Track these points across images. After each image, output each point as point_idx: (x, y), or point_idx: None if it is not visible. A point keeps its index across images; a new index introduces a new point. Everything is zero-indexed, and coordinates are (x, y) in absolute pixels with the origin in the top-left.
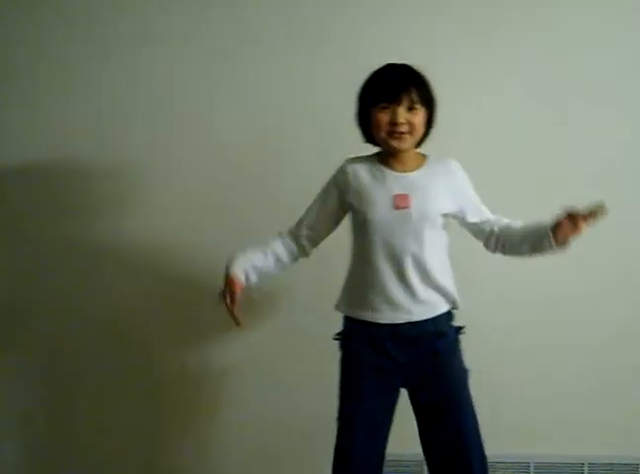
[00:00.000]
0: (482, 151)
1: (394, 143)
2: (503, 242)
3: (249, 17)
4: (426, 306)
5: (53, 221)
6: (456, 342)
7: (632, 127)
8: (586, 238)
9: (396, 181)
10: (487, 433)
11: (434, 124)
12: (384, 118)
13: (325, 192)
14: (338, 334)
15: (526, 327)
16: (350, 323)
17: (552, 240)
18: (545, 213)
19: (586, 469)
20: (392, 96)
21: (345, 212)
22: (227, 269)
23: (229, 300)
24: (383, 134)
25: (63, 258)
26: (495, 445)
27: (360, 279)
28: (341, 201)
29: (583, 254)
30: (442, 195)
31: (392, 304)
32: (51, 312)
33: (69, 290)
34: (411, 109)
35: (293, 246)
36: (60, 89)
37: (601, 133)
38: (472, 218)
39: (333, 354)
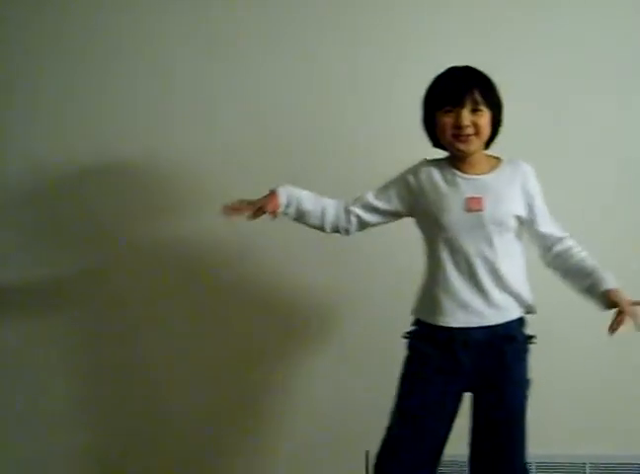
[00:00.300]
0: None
1: (460, 146)
2: (556, 265)
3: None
4: (498, 310)
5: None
6: (525, 350)
7: (632, 127)
8: (585, 238)
9: (468, 183)
10: None
11: (500, 125)
12: (449, 121)
13: (394, 184)
14: (407, 333)
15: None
16: (421, 325)
17: (602, 305)
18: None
19: (587, 469)
20: (456, 99)
21: (405, 212)
22: (273, 188)
23: (251, 207)
24: (449, 138)
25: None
26: None
27: (433, 283)
28: (406, 200)
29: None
30: (515, 198)
31: (464, 308)
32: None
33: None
34: (475, 110)
35: (343, 216)
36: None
37: (601, 134)
38: (539, 227)
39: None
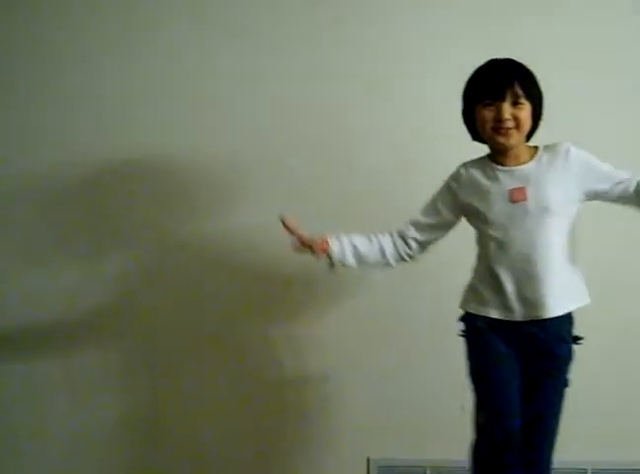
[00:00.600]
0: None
1: (501, 139)
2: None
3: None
4: (552, 302)
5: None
6: (571, 350)
7: (633, 128)
8: (585, 238)
9: (510, 175)
10: None
11: (541, 117)
12: (489, 114)
13: (439, 195)
14: (463, 331)
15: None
16: (474, 320)
17: None
18: None
19: None
20: (496, 92)
21: (458, 218)
22: (323, 237)
23: (302, 242)
24: (489, 131)
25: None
26: None
27: (484, 277)
28: (455, 206)
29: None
30: (560, 183)
31: (516, 301)
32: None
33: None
34: (516, 104)
35: (401, 243)
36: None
37: (602, 134)
38: (603, 187)
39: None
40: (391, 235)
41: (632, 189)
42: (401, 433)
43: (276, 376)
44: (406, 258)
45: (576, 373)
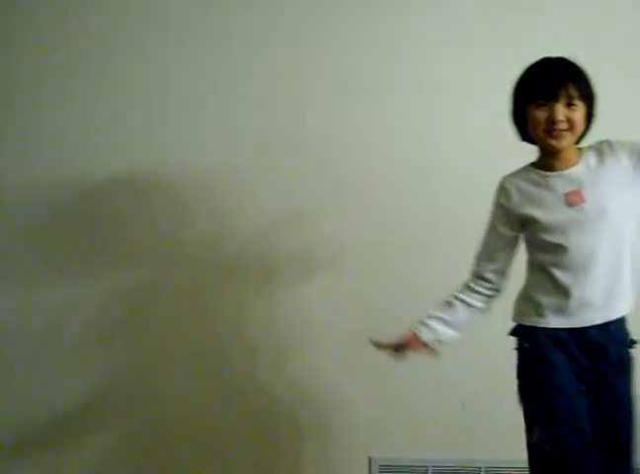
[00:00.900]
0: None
1: (553, 142)
2: None
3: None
4: (611, 307)
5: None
6: (630, 355)
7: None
8: None
9: (562, 179)
10: (492, 438)
11: (594, 119)
12: (542, 116)
13: (493, 218)
14: (519, 343)
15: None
16: (532, 332)
17: None
18: None
19: None
20: (549, 93)
21: (518, 231)
22: (417, 336)
23: (396, 348)
24: (541, 133)
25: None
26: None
27: (543, 286)
28: (510, 222)
29: None
30: (614, 180)
31: (579, 306)
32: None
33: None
34: (570, 105)
35: (480, 284)
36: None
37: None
38: None
39: None
40: (467, 285)
41: None
42: (402, 432)
43: (277, 376)
44: (493, 294)
45: None
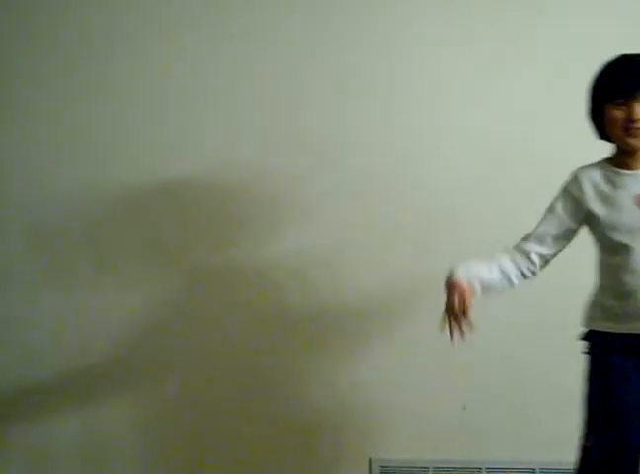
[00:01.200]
0: (486, 152)
1: (632, 141)
2: None
3: None
4: None
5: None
6: None
7: None
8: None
9: (637, 179)
10: (493, 438)
11: None
12: (620, 114)
13: (556, 203)
14: (588, 348)
15: (532, 331)
16: (601, 338)
17: None
18: None
19: None
20: (629, 91)
21: (579, 225)
22: (450, 278)
23: (462, 312)
24: (619, 132)
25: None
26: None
27: (611, 289)
28: (575, 212)
29: (580, 256)
30: None
31: None
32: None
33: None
34: None
35: (522, 261)
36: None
37: None
38: None
39: None
40: (510, 254)
41: None
42: (403, 433)
43: (277, 379)
44: (529, 275)
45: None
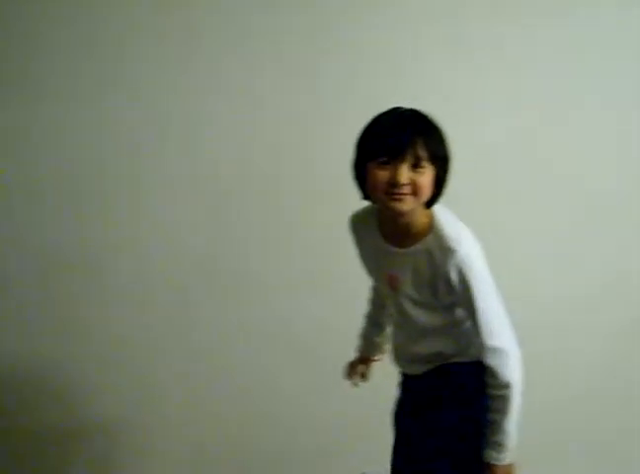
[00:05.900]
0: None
1: (392, 205)
2: None
3: None
4: None
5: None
6: None
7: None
8: (584, 241)
9: (390, 255)
10: None
11: (445, 184)
12: (383, 176)
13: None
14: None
15: (532, 333)
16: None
17: None
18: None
19: None
20: (394, 150)
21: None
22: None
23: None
24: (380, 194)
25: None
26: None
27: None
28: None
29: (582, 258)
30: (432, 283)
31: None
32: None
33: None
34: (416, 166)
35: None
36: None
37: (601, 135)
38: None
39: None
40: (372, 302)
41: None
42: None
43: (270, 390)
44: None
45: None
